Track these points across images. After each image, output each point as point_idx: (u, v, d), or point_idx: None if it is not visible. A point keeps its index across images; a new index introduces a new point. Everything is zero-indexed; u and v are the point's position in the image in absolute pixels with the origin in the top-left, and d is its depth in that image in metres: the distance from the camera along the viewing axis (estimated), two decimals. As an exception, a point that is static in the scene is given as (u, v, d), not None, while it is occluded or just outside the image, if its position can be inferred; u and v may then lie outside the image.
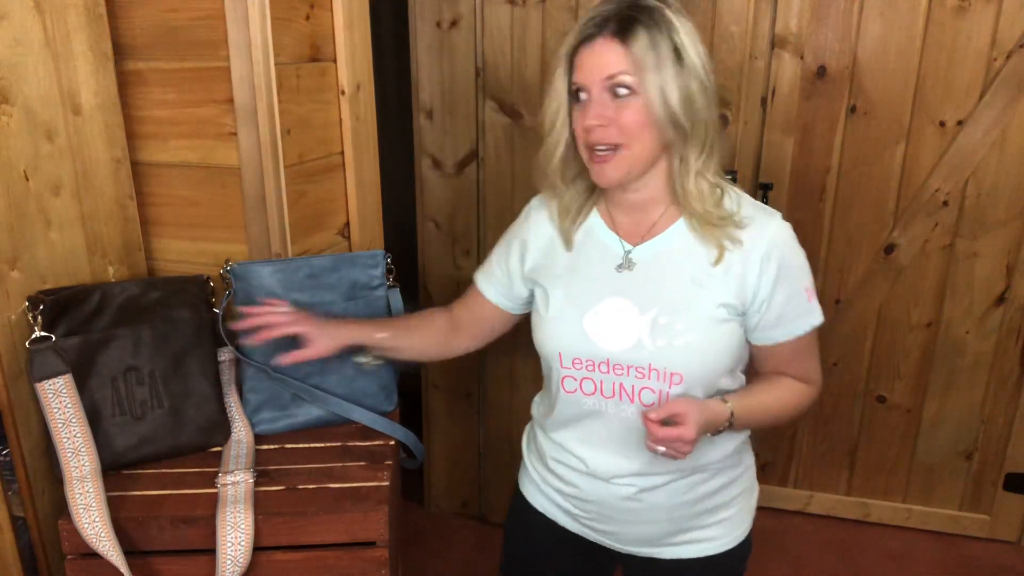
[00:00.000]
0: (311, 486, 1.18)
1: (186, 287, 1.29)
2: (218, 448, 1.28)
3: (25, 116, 1.14)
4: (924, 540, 2.42)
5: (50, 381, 1.12)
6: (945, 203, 2.15)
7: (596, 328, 1.08)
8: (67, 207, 1.22)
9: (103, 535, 1.06)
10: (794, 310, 1.08)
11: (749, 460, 1.24)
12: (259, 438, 1.31)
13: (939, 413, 2.34)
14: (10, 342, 1.13)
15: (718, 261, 1.05)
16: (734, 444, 1.17)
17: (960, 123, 2.08)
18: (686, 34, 1.00)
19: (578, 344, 1.10)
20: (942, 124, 2.10)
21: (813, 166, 2.21)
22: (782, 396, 1.14)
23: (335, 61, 1.46)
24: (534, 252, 1.19)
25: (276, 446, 1.30)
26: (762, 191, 2.24)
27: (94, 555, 1.07)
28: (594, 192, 1.14)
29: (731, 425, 1.07)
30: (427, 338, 1.30)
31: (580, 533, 1.23)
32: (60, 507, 1.14)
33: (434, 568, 2.31)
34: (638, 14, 0.99)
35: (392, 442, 1.32)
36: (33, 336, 1.12)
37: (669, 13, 1.00)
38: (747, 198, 1.10)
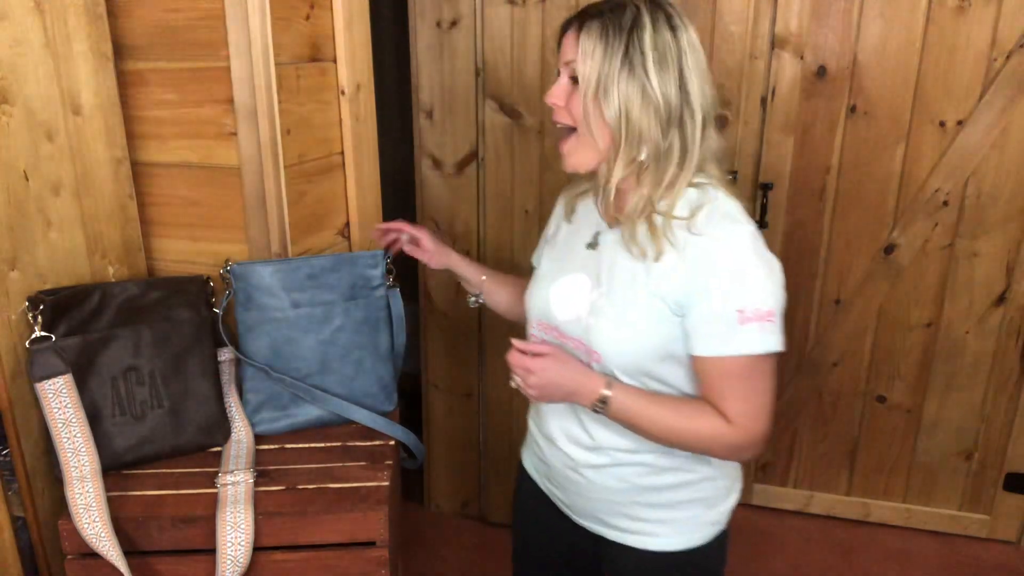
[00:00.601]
0: (311, 486, 1.18)
1: (186, 287, 1.29)
2: (218, 448, 1.28)
3: (25, 116, 1.14)
4: (924, 540, 2.42)
5: (50, 381, 1.12)
6: (945, 203, 2.15)
7: (557, 297, 1.17)
8: (67, 207, 1.22)
9: (103, 535, 1.06)
10: (713, 327, 1.02)
11: (710, 472, 1.16)
12: (259, 438, 1.31)
13: (939, 413, 2.34)
14: (10, 342, 1.13)
15: (658, 257, 1.04)
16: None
17: (960, 123, 2.08)
18: (656, 49, 1.00)
19: (543, 308, 1.19)
20: (942, 124, 2.10)
21: (813, 166, 2.21)
22: (684, 418, 1.06)
23: (335, 61, 1.46)
24: (555, 222, 1.29)
25: (276, 446, 1.30)
26: (762, 191, 2.24)
27: (94, 555, 1.07)
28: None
29: (604, 406, 1.06)
30: (512, 295, 1.37)
31: (550, 496, 1.30)
32: (60, 507, 1.14)
33: (434, 568, 2.31)
34: (609, 11, 1.03)
35: (392, 442, 1.32)
36: (33, 336, 1.12)
37: (647, 20, 1.01)
38: (721, 205, 1.06)
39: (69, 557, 1.10)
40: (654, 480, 1.14)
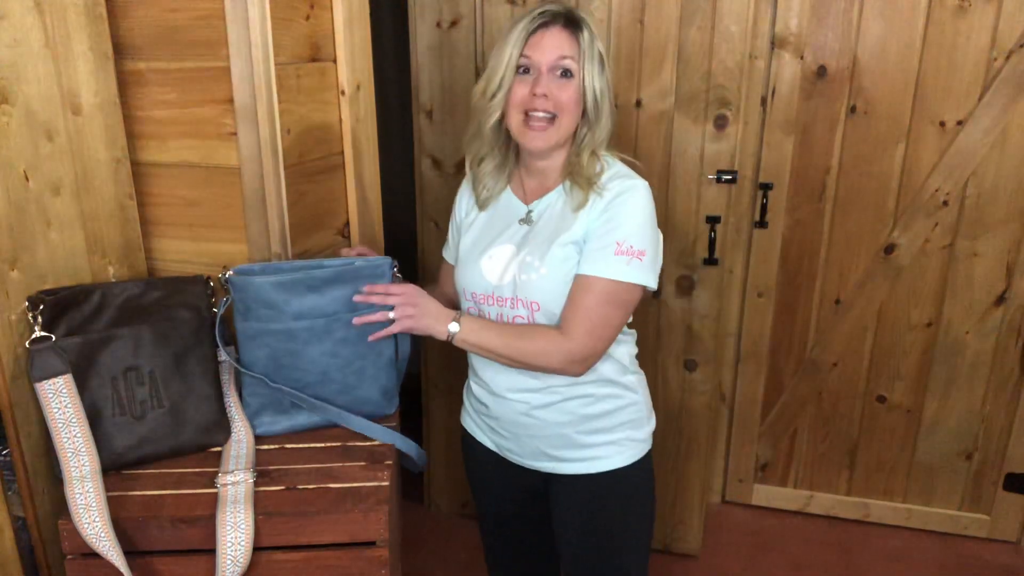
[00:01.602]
0: (311, 486, 1.18)
1: (186, 287, 1.29)
2: (218, 448, 1.28)
3: (25, 116, 1.14)
4: (924, 540, 2.42)
5: (50, 381, 1.12)
6: (945, 203, 2.16)
7: (488, 266, 1.33)
8: (67, 207, 1.22)
9: (103, 535, 1.06)
10: (595, 250, 1.24)
11: (635, 397, 1.38)
12: (259, 438, 1.31)
13: (939, 413, 2.34)
14: (10, 342, 1.13)
15: (579, 208, 1.27)
16: (611, 373, 1.34)
17: (960, 123, 2.08)
18: (603, 51, 1.29)
19: (474, 279, 1.34)
20: (942, 124, 2.10)
21: (813, 166, 2.21)
22: (525, 338, 1.27)
23: (335, 61, 1.46)
24: (461, 210, 1.46)
25: (276, 446, 1.30)
26: (762, 191, 2.24)
27: (94, 555, 1.07)
28: (505, 169, 1.38)
29: (455, 333, 1.28)
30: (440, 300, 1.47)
31: (499, 452, 1.44)
32: (60, 507, 1.14)
33: (434, 568, 2.31)
34: (581, 20, 1.27)
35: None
36: (33, 336, 1.12)
37: (594, 29, 1.29)
38: (620, 167, 1.32)
39: (69, 557, 1.10)
40: (594, 408, 1.34)
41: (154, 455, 1.22)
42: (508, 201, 1.38)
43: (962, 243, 2.18)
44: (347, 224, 1.55)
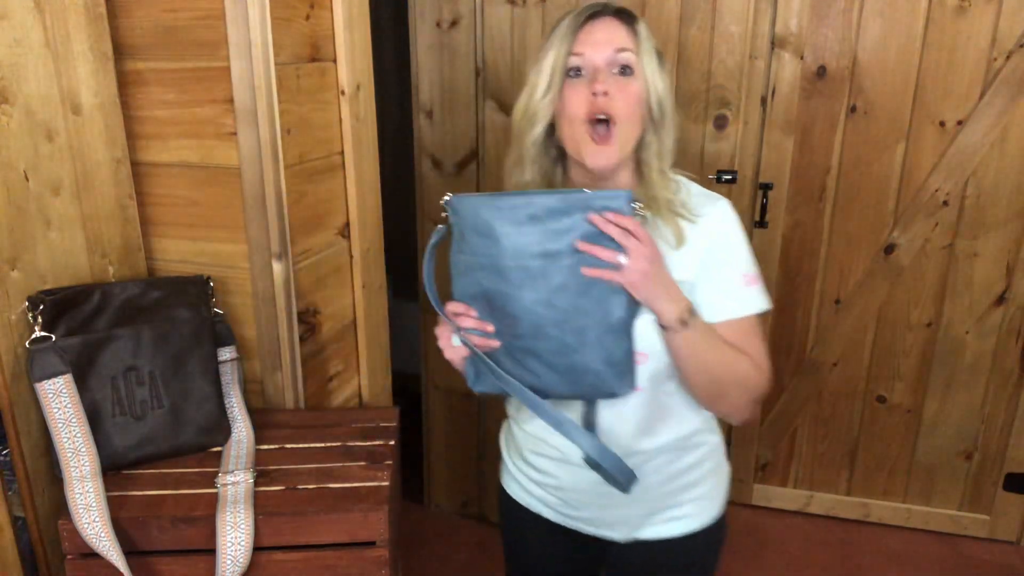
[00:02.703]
0: (311, 486, 1.18)
1: (186, 287, 1.29)
2: (218, 448, 1.28)
3: (25, 116, 1.14)
4: (924, 540, 2.42)
5: (50, 381, 1.12)
6: (945, 203, 2.16)
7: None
8: (67, 207, 1.22)
9: (103, 535, 1.06)
10: (731, 291, 1.11)
11: (715, 440, 1.24)
12: (259, 438, 1.31)
13: (939, 413, 2.34)
14: (10, 342, 1.13)
15: (680, 244, 1.10)
16: (697, 421, 1.19)
17: (960, 123, 2.08)
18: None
19: None
20: (942, 124, 2.10)
21: (813, 166, 2.21)
22: (733, 352, 1.10)
23: (335, 61, 1.46)
24: None
25: (276, 446, 1.30)
26: (762, 191, 2.24)
27: (94, 555, 1.07)
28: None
29: (691, 316, 1.04)
30: None
31: (563, 523, 1.26)
32: (60, 507, 1.14)
33: (434, 568, 2.31)
34: (633, 12, 1.12)
35: (392, 442, 1.32)
36: (33, 336, 1.12)
37: None
38: (695, 186, 1.16)
39: (69, 557, 1.10)
40: (682, 461, 1.19)
41: (154, 455, 1.22)
42: None
43: (962, 243, 2.18)
44: (347, 224, 1.55)
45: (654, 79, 1.08)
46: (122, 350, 1.19)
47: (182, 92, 1.32)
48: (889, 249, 2.23)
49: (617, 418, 1.13)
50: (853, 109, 2.14)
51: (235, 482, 1.16)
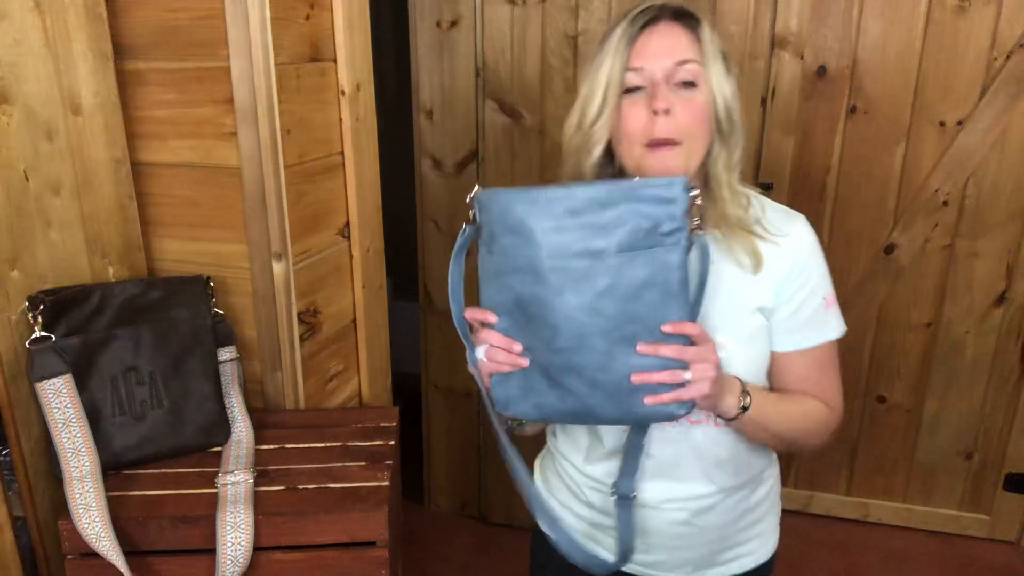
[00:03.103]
0: (311, 486, 1.18)
1: (186, 287, 1.29)
2: (218, 448, 1.28)
3: (25, 116, 1.14)
4: (924, 540, 2.42)
5: (50, 381, 1.12)
6: (945, 203, 2.16)
7: None
8: (67, 207, 1.22)
9: (103, 535, 1.06)
10: (809, 318, 1.03)
11: (777, 471, 1.18)
12: (259, 438, 1.31)
13: (939, 413, 2.34)
14: (10, 342, 1.13)
15: (757, 267, 1.01)
16: (767, 458, 1.13)
17: (960, 123, 2.08)
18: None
19: None
20: (942, 124, 2.10)
21: (813, 166, 2.21)
22: (801, 409, 1.04)
23: (335, 61, 1.46)
24: None
25: (276, 446, 1.30)
26: (762, 191, 2.24)
27: (94, 555, 1.07)
28: None
29: (743, 408, 0.96)
30: None
31: (625, 568, 1.11)
32: (60, 507, 1.14)
33: (434, 568, 2.31)
34: (694, 12, 0.99)
35: (392, 442, 1.32)
36: (33, 336, 1.12)
37: None
38: (768, 200, 1.08)
39: (69, 557, 1.10)
40: (753, 496, 1.12)
41: (154, 455, 1.22)
42: None
43: (962, 243, 2.18)
44: (347, 224, 1.55)
45: (721, 87, 0.97)
46: (122, 350, 1.19)
47: (182, 92, 1.32)
48: (889, 249, 2.23)
49: (689, 454, 1.05)
50: (853, 109, 2.14)
51: (235, 482, 1.16)
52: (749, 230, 1.02)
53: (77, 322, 1.17)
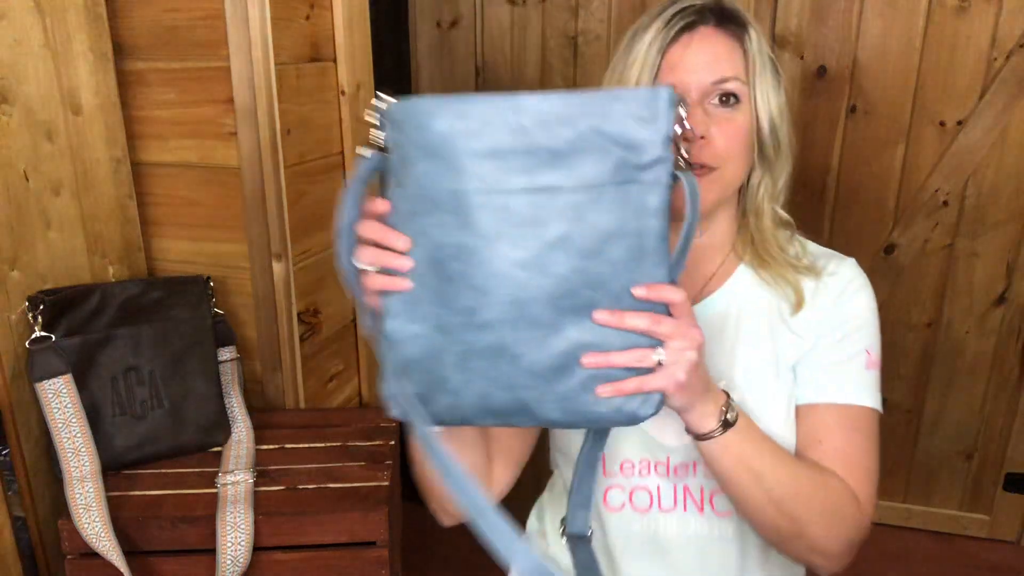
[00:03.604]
0: (311, 486, 1.18)
1: (186, 287, 1.29)
2: (218, 448, 1.28)
3: (25, 116, 1.14)
4: (924, 540, 2.42)
5: (50, 381, 1.12)
6: (945, 203, 2.15)
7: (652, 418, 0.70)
8: (67, 207, 1.22)
9: (103, 535, 1.06)
10: (844, 365, 0.84)
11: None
12: (259, 438, 1.31)
13: (939, 413, 2.34)
14: (10, 342, 1.13)
15: (797, 306, 0.86)
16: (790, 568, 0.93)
17: (960, 123, 2.08)
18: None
19: (628, 440, 0.86)
20: (942, 124, 2.10)
21: (813, 166, 2.21)
22: (815, 472, 0.80)
23: (335, 61, 1.45)
24: None
25: (276, 446, 1.30)
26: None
27: (94, 555, 1.07)
28: None
29: (725, 423, 0.73)
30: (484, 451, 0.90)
31: None
32: (60, 507, 1.14)
33: (434, 568, 2.31)
34: (739, 12, 0.84)
35: (392, 442, 1.32)
36: (33, 336, 1.12)
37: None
38: (809, 243, 0.95)
39: (69, 557, 1.10)
40: None
41: (154, 455, 1.22)
42: None
43: (962, 243, 2.18)
44: (347, 224, 1.55)
45: (767, 103, 0.83)
46: (122, 350, 1.19)
47: (182, 92, 1.32)
48: (889, 249, 2.23)
49: (695, 563, 0.87)
50: (853, 109, 2.14)
51: (235, 482, 1.16)
52: (791, 264, 0.88)
53: (77, 322, 1.17)
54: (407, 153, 0.67)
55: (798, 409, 0.85)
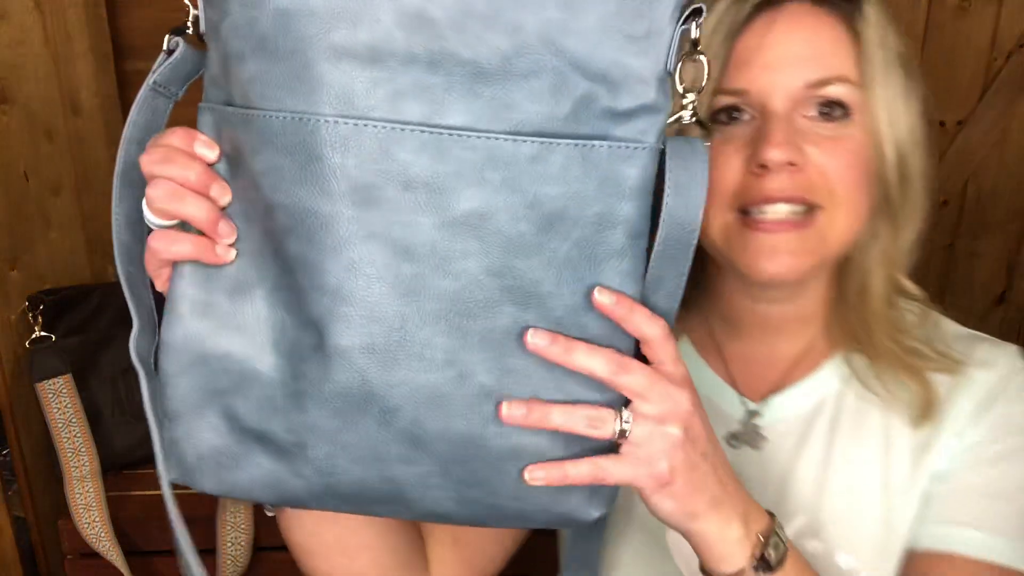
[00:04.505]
0: (311, 486, 1.18)
1: (186, 287, 1.29)
2: (218, 448, 1.28)
3: (25, 116, 1.14)
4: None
5: (50, 381, 1.12)
6: (945, 203, 2.16)
7: (686, 550, 0.51)
8: (67, 207, 1.22)
9: (103, 535, 1.06)
10: (993, 510, 0.56)
11: None
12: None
13: (939, 413, 2.34)
14: (10, 342, 1.13)
15: (926, 414, 0.58)
16: None
17: (960, 123, 2.08)
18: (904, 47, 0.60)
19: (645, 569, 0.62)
20: (942, 124, 2.10)
21: (813, 166, 2.21)
22: None
23: (335, 61, 1.46)
24: None
25: (276, 446, 1.30)
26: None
27: (94, 555, 1.07)
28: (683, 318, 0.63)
29: (761, 562, 0.48)
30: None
31: None
32: (60, 507, 1.14)
33: (434, 568, 2.31)
34: None
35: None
36: (33, 336, 1.12)
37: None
38: (948, 322, 0.70)
39: (69, 557, 1.10)
40: None
41: (154, 455, 1.22)
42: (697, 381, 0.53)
43: (962, 243, 2.18)
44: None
45: (892, 119, 0.56)
46: (122, 350, 1.18)
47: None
48: (889, 249, 2.23)
49: None
50: (853, 109, 2.14)
51: (235, 482, 1.16)
52: (915, 355, 0.60)
53: (77, 322, 1.17)
54: (230, 46, 0.43)
55: (911, 557, 0.57)
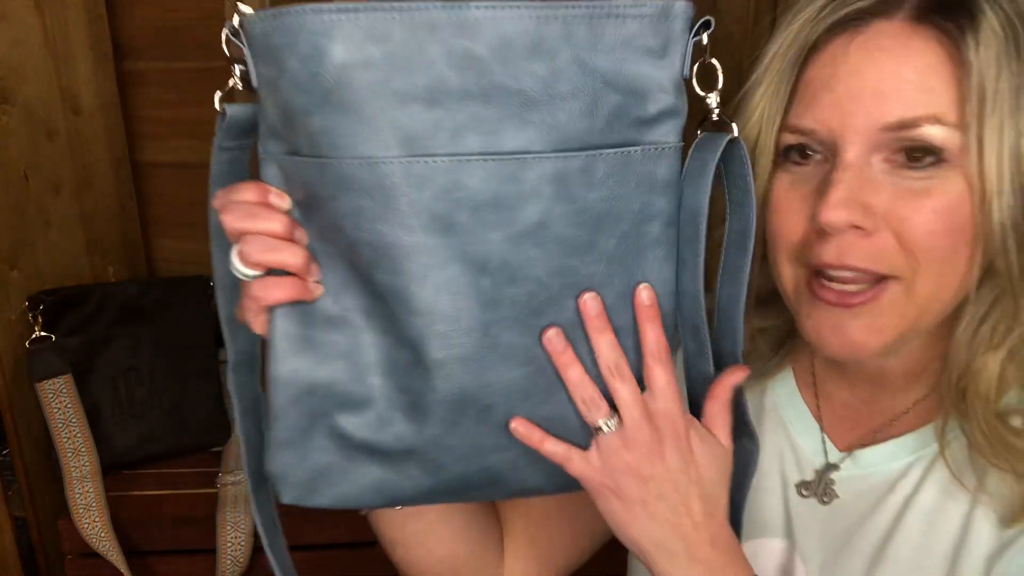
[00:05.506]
0: (311, 486, 1.18)
1: (186, 287, 1.29)
2: (218, 448, 1.28)
3: (25, 116, 1.14)
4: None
5: (50, 381, 1.12)
6: None
7: None
8: (67, 207, 1.22)
9: (103, 535, 1.06)
10: None
11: None
12: (259, 438, 1.31)
13: (939, 413, 2.34)
14: (10, 342, 1.13)
15: (1015, 521, 0.49)
16: None
17: (960, 123, 2.08)
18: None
19: None
20: (942, 124, 2.10)
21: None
22: None
23: (335, 61, 1.46)
24: None
25: (276, 446, 1.30)
26: None
27: (94, 555, 1.07)
28: (784, 344, 0.61)
29: None
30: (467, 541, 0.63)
31: None
32: (60, 507, 1.14)
33: (434, 568, 2.31)
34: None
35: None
36: (33, 336, 1.13)
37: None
38: None
39: (69, 557, 1.10)
40: None
41: (154, 455, 1.22)
42: (783, 424, 0.60)
43: (962, 243, 2.18)
44: (347, 224, 1.55)
45: (1008, 169, 0.45)
46: (122, 350, 1.19)
47: (182, 92, 1.32)
48: (889, 249, 2.23)
49: None
50: (853, 109, 2.14)
51: (235, 482, 1.16)
52: (1016, 448, 0.49)
53: (77, 322, 1.17)
54: (294, 102, 0.44)
55: None
